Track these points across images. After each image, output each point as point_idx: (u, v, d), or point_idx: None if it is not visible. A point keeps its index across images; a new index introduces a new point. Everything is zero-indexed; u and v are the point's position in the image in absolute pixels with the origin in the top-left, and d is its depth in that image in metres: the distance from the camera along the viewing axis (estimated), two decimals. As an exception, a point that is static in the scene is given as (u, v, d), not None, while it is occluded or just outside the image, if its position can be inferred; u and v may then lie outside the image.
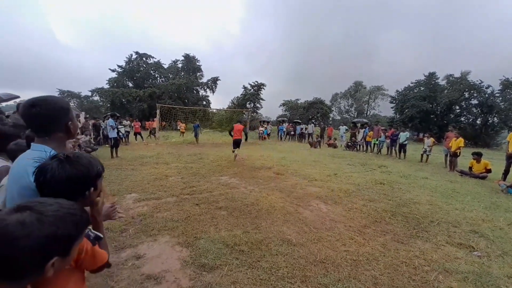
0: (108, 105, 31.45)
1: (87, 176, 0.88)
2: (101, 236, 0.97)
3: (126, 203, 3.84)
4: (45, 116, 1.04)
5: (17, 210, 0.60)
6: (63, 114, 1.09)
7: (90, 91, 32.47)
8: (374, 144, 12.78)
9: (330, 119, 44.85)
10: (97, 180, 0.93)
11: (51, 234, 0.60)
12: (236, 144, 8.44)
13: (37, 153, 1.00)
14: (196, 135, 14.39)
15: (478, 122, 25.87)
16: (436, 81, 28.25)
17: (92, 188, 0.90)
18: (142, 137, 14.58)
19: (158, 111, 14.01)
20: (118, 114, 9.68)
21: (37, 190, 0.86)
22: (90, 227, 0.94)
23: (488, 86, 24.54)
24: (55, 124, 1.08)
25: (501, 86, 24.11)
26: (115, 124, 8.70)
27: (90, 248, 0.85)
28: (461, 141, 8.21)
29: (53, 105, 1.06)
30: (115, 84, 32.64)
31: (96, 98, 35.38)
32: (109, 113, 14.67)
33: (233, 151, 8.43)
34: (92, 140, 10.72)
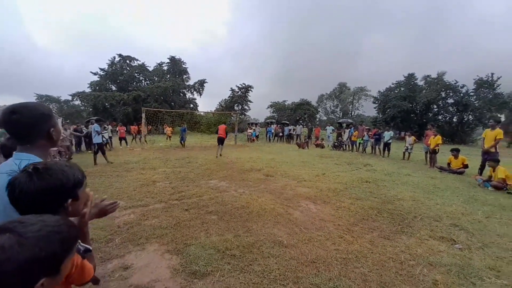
0: (90, 109, 30.26)
1: (60, 186, 0.83)
2: (90, 248, 0.93)
3: (112, 211, 3.70)
4: (26, 123, 1.00)
5: None
6: (45, 120, 1.05)
7: (70, 95, 31.11)
8: (359, 143, 13.18)
9: (317, 119, 45.74)
10: (76, 190, 0.88)
11: (33, 256, 0.56)
12: (220, 141, 10.10)
13: (17, 163, 0.96)
14: (182, 139, 13.87)
15: (454, 120, 27.40)
16: (415, 81, 29.69)
17: (70, 200, 0.85)
18: (126, 142, 14.09)
19: (143, 115, 13.66)
20: (103, 119, 9.27)
21: (13, 207, 0.81)
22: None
23: (463, 86, 26.11)
24: (37, 131, 1.03)
25: (475, 85, 25.72)
26: (100, 129, 8.36)
27: (80, 262, 0.82)
28: (439, 138, 8.65)
29: (34, 112, 1.02)
30: (97, 88, 31.47)
31: (77, 102, 33.94)
32: (93, 118, 14.11)
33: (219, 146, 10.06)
34: (72, 146, 10.26)
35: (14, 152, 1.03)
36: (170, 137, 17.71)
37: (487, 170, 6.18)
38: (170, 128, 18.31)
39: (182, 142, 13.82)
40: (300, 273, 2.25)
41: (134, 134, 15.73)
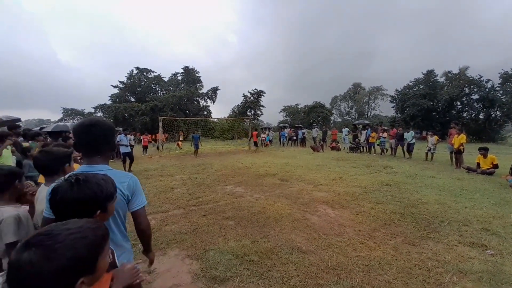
0: (112, 120, 31.88)
1: (94, 198, 0.89)
2: (117, 265, 0.95)
3: (134, 218, 3.86)
4: (104, 135, 1.15)
5: (25, 247, 0.61)
6: (113, 134, 1.21)
7: (93, 108, 33.00)
8: (378, 145, 12.72)
9: (331, 122, 44.87)
10: (106, 203, 0.94)
11: (62, 266, 0.61)
12: (255, 144, 14.16)
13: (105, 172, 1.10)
14: (196, 147, 12.99)
15: (480, 116, 25.69)
16: (435, 78, 28.31)
17: (99, 211, 0.91)
18: (146, 150, 14.57)
19: (160, 124, 14.17)
20: (129, 129, 9.50)
21: (51, 210, 0.89)
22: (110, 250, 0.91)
23: (488, 80, 24.51)
24: (108, 142, 1.18)
25: (501, 79, 24.08)
26: (127, 140, 8.57)
27: (106, 274, 0.82)
28: (463, 137, 8.14)
29: (107, 126, 1.18)
30: (117, 100, 33.20)
31: (100, 114, 35.94)
32: (120, 128, 14.79)
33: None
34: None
35: (87, 165, 1.14)
36: (179, 146, 17.73)
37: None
38: (180, 141, 18.26)
39: (196, 149, 13.12)
40: (321, 280, 2.21)
41: (162, 142, 15.71)
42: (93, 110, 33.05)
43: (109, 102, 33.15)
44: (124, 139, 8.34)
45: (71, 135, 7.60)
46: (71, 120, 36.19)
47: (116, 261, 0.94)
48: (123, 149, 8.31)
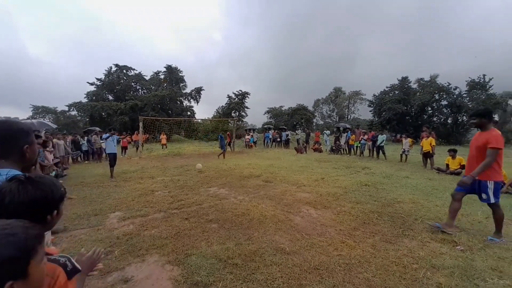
0: (87, 119, 30.09)
1: (51, 198, 0.83)
2: (80, 269, 0.89)
3: (110, 222, 3.65)
4: (2, 137, 1.01)
5: None
6: (20, 136, 1.05)
7: (66, 105, 30.85)
8: (357, 147, 13.26)
9: (314, 124, 46.01)
10: (60, 204, 0.89)
11: None
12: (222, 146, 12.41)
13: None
14: (223, 147, 12.27)
15: (449, 121, 27.74)
16: (409, 84, 30.17)
17: (56, 212, 0.85)
18: (126, 151, 13.96)
19: (141, 124, 13.62)
20: (114, 129, 8.10)
21: None
22: (66, 258, 0.86)
23: (456, 88, 26.58)
24: (11, 146, 1.03)
25: (467, 87, 26.21)
26: (111, 137, 7.30)
27: (63, 283, 0.77)
28: (432, 140, 8.76)
29: (12, 126, 1.03)
30: (94, 98, 31.36)
31: (74, 112, 33.78)
32: (97, 128, 13.93)
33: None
34: (69, 157, 10.15)
35: None
36: (165, 145, 17.60)
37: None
38: (165, 136, 18.24)
39: (224, 150, 12.31)
40: (304, 280, 2.23)
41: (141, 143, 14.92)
42: (66, 108, 31.02)
43: (84, 100, 31.28)
44: (108, 140, 7.26)
45: (41, 133, 7.01)
46: (42, 118, 33.69)
47: (77, 266, 0.87)
48: (108, 150, 7.30)
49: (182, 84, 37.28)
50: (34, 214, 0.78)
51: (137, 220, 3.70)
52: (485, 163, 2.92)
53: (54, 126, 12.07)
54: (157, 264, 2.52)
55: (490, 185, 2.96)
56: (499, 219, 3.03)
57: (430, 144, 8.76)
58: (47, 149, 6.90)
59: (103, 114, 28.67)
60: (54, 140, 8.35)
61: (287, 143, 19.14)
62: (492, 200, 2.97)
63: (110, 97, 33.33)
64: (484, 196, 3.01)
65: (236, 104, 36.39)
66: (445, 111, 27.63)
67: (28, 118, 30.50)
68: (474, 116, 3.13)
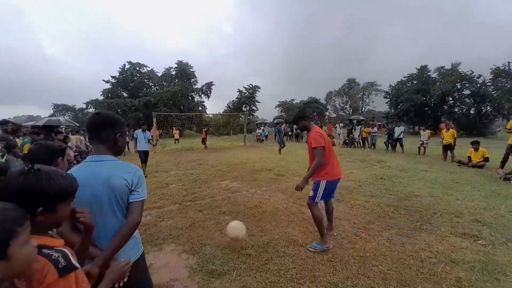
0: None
1: (39, 192, 0.77)
2: (77, 267, 0.77)
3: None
4: (101, 124, 1.17)
5: None
6: (113, 125, 1.19)
7: (84, 103, 32.24)
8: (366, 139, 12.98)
9: (326, 117, 45.11)
10: (56, 202, 0.81)
11: None
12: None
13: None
14: (283, 142, 11.78)
15: (472, 112, 26.14)
16: (428, 74, 28.61)
17: (41, 208, 0.76)
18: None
19: (154, 119, 13.96)
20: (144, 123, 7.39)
21: None
22: (61, 253, 0.75)
23: (479, 76, 24.87)
24: (108, 133, 1.18)
25: (492, 75, 24.48)
26: (143, 135, 7.00)
27: (53, 280, 0.69)
28: (453, 132, 8.32)
29: (110, 116, 1.20)
30: (109, 95, 32.46)
31: (91, 110, 35.20)
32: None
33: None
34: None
35: (92, 155, 1.17)
36: (177, 140, 18.04)
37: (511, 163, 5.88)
38: (177, 131, 18.69)
39: (281, 145, 11.62)
40: (317, 271, 2.23)
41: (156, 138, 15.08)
42: (84, 106, 32.37)
43: (101, 98, 32.42)
44: (140, 135, 6.98)
45: (63, 129, 7.35)
46: (62, 116, 35.37)
47: (74, 263, 0.77)
48: (140, 147, 7.02)
49: (193, 80, 37.64)
50: (21, 203, 0.72)
51: (154, 212, 3.84)
52: None
53: (76, 124, 12.66)
54: (173, 253, 2.62)
55: None
56: None
57: (452, 135, 8.33)
58: (68, 144, 7.25)
59: (119, 110, 29.63)
60: (77, 136, 8.77)
61: (297, 136, 18.93)
62: None
63: (125, 94, 34.34)
64: None
65: (247, 98, 36.29)
66: (468, 101, 25.99)
67: (50, 116, 32.18)
68: (293, 123, 3.10)
